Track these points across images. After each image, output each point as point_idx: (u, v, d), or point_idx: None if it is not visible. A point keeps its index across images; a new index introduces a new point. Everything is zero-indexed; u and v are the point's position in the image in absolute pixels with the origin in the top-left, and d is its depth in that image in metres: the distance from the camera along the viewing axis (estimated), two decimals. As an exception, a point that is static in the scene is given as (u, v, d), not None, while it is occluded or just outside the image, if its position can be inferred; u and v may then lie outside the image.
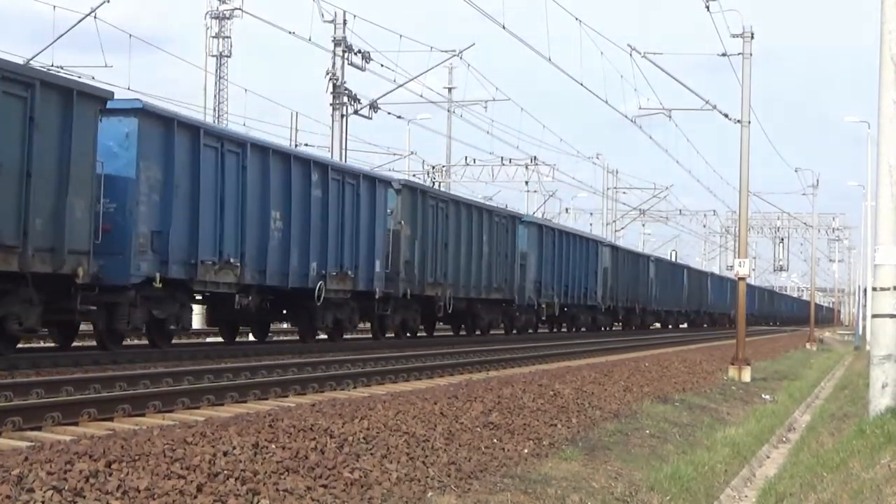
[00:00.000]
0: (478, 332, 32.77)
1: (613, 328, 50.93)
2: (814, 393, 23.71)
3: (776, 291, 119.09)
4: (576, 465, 10.03)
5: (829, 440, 13.29)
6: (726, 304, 76.87)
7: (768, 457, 13.78)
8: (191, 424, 8.92)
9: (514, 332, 36.01)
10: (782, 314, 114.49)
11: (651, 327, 58.65)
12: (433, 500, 7.82)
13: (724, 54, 25.42)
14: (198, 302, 21.65)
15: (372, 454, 8.63)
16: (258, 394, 12.43)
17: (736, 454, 12.72)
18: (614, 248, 49.28)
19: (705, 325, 72.19)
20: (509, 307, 34.75)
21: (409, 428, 9.88)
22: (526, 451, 10.22)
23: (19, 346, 18.61)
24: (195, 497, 6.63)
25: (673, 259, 74.47)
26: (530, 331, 38.34)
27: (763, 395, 20.72)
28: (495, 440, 10.41)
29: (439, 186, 47.69)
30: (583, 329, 44.44)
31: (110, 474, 6.65)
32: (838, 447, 11.85)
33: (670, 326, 63.00)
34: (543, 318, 38.17)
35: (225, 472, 7.19)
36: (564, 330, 43.19)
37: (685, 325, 67.99)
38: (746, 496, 10.91)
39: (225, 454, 7.59)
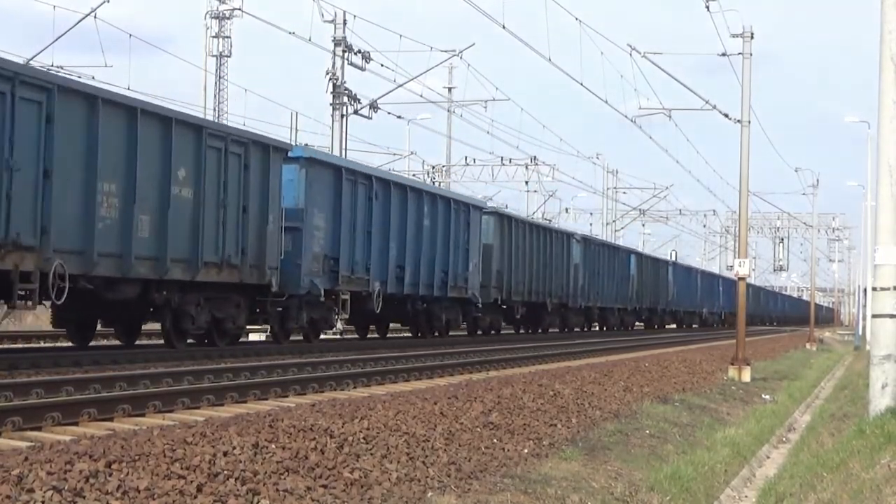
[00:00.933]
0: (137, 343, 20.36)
1: (520, 332, 38.32)
2: (814, 393, 23.72)
3: (765, 289, 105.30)
4: (576, 465, 10.03)
5: (829, 440, 13.29)
6: (696, 300, 67.06)
7: (768, 457, 13.79)
8: (191, 424, 8.93)
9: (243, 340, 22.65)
10: (773, 314, 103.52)
11: (578, 329, 43.59)
12: (433, 500, 7.82)
13: (723, 54, 25.44)
14: None
15: (372, 454, 8.64)
16: (258, 394, 12.43)
17: (736, 454, 12.72)
18: (504, 218, 34.71)
19: (669, 327, 60.81)
20: (243, 294, 20.13)
21: (409, 428, 9.88)
22: (526, 451, 10.22)
23: (22, 346, 18.64)
24: (195, 497, 6.63)
25: (673, 259, 73.09)
26: (295, 339, 23.37)
27: (763, 396, 20.72)
28: (495, 440, 10.41)
29: (439, 186, 47.60)
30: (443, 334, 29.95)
31: (110, 474, 6.65)
32: (838, 447, 11.85)
33: (615, 329, 48.75)
34: (338, 313, 23.51)
35: (225, 472, 7.19)
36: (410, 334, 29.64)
37: (644, 326, 56.74)
38: (746, 496, 10.91)
39: (225, 454, 7.59)
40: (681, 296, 61.78)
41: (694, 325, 67.66)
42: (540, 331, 39.18)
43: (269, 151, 20.38)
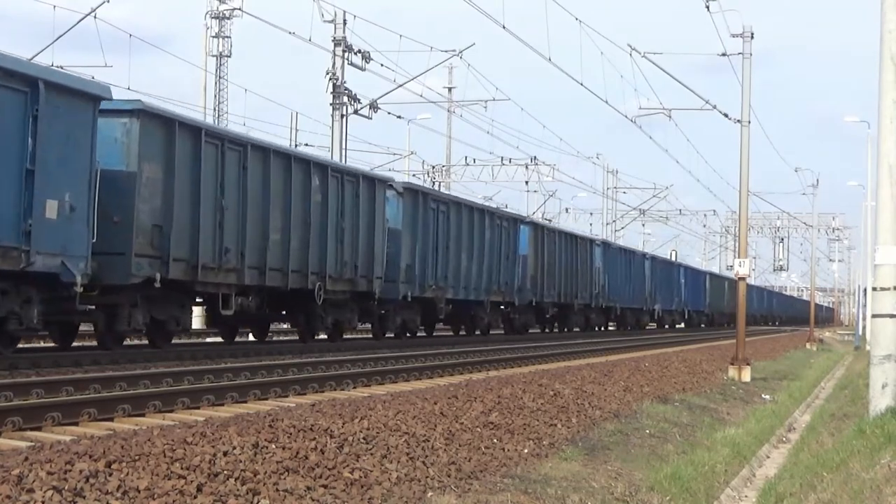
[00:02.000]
0: None
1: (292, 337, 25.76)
2: (814, 393, 23.70)
3: (750, 284, 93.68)
4: (576, 465, 10.03)
5: (829, 440, 13.28)
6: (643, 294, 52.51)
7: (768, 457, 13.77)
8: (191, 424, 8.92)
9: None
10: (758, 313, 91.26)
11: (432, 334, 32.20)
12: (433, 500, 7.82)
13: (723, 54, 25.45)
14: None
15: (372, 454, 8.63)
16: (258, 394, 12.43)
17: (736, 454, 12.71)
18: (199, 134, 18.36)
19: (600, 329, 47.32)
20: None
21: (409, 428, 9.87)
22: (526, 451, 10.22)
23: (22, 346, 18.62)
24: (195, 497, 6.63)
25: (672, 258, 72.20)
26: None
27: (763, 395, 20.72)
28: (495, 440, 10.41)
29: (439, 186, 47.67)
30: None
31: (110, 474, 6.65)
32: (838, 447, 11.84)
33: (491, 332, 35.17)
34: None
35: (225, 472, 7.19)
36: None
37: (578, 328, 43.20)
38: (746, 496, 10.90)
39: (225, 454, 7.58)
40: (617, 288, 47.13)
41: (650, 326, 55.84)
42: (318, 336, 24.35)
43: None
